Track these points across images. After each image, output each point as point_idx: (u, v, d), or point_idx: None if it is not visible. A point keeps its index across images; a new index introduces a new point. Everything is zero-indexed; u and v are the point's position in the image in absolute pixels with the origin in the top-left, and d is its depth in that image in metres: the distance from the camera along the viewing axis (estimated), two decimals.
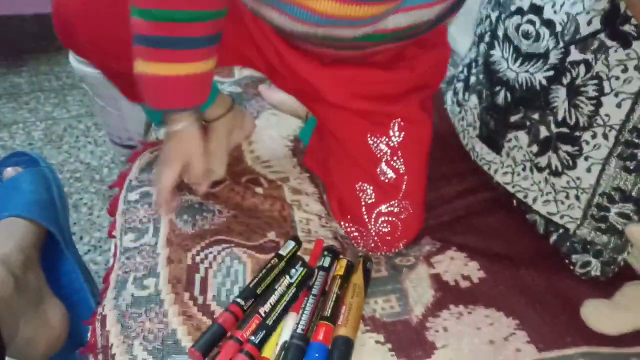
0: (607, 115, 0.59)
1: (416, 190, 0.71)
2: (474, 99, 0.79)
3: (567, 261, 0.69)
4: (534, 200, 0.71)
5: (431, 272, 0.67)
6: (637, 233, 0.58)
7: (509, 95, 0.71)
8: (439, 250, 0.71)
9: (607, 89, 0.59)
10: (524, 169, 0.71)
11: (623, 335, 0.60)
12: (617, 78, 0.58)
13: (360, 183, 0.70)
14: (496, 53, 0.73)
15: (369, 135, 0.69)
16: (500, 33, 0.72)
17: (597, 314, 0.60)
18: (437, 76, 0.75)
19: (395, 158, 0.70)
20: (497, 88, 0.73)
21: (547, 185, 0.69)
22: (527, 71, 0.68)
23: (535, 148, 0.68)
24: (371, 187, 0.70)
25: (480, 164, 0.79)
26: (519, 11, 0.68)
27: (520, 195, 0.73)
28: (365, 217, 0.70)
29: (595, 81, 0.60)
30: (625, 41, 0.56)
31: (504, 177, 0.75)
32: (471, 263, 0.68)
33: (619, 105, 0.58)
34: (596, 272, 0.66)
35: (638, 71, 0.56)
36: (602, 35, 0.58)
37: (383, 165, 0.70)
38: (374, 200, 0.70)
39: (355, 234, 0.71)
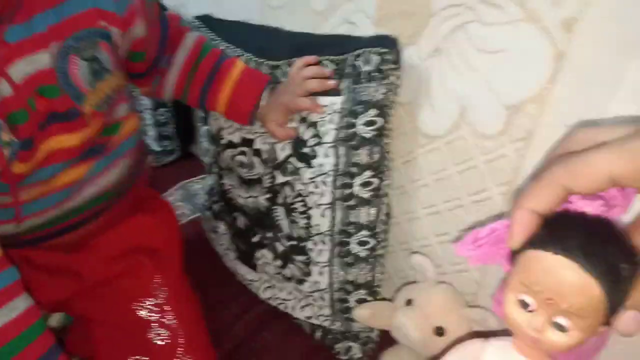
0: (317, 224, 0.68)
1: (197, 338, 0.69)
2: (222, 226, 0.84)
3: (333, 352, 0.74)
4: (293, 308, 0.76)
5: None
6: (363, 317, 0.66)
7: (245, 219, 0.78)
8: None
9: (310, 204, 0.68)
10: (278, 282, 0.77)
11: None
12: (314, 193, 0.67)
13: (132, 358, 0.65)
14: (226, 182, 0.80)
15: (133, 303, 0.67)
16: (222, 164, 0.79)
17: None
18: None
19: (165, 315, 0.67)
20: (235, 213, 0.79)
21: (298, 293, 0.75)
22: (251, 196, 0.75)
23: (279, 262, 0.75)
24: (146, 358, 0.65)
25: (246, 284, 0.83)
26: (231, 144, 0.76)
27: (282, 307, 0.78)
28: None
29: (300, 198, 0.68)
30: (307, 162, 0.66)
31: (265, 293, 0.80)
32: None
33: (322, 215, 0.67)
34: (358, 355, 0.72)
35: (325, 185, 0.66)
36: (293, 159, 0.68)
37: (154, 327, 0.66)
38: None
39: None
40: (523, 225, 0.32)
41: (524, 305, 0.32)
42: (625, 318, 0.31)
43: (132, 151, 0.70)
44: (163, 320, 0.68)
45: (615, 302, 0.30)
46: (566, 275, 0.30)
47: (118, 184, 0.69)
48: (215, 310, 0.84)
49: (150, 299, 0.68)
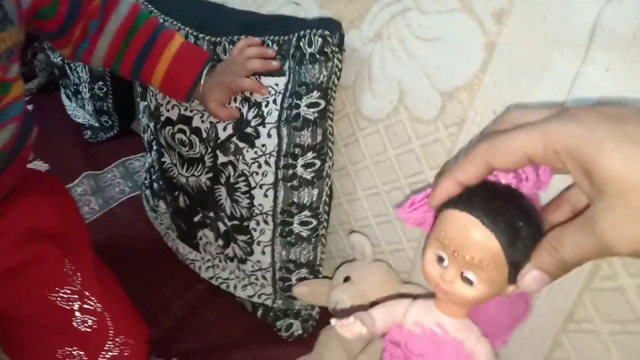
0: (260, 205, 0.69)
1: (125, 318, 0.68)
2: (162, 204, 0.83)
3: (274, 329, 0.76)
4: (235, 287, 0.77)
5: None
6: (301, 294, 0.68)
7: (186, 198, 0.77)
8: None
9: (252, 184, 0.68)
10: (220, 261, 0.78)
11: None
12: (257, 173, 0.67)
13: (61, 350, 0.63)
14: (166, 160, 0.78)
15: (48, 293, 0.64)
16: (162, 141, 0.78)
17: None
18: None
19: (86, 300, 0.66)
20: (176, 193, 0.78)
21: (240, 272, 0.75)
22: (193, 175, 0.74)
23: (220, 242, 0.75)
24: (75, 348, 0.64)
25: (187, 264, 0.83)
26: (169, 121, 0.75)
27: (223, 287, 0.78)
28: None
29: (243, 178, 0.69)
30: (250, 142, 0.66)
31: (207, 272, 0.80)
32: None
33: (265, 195, 0.68)
34: (299, 331, 0.74)
35: (268, 165, 0.66)
36: (235, 139, 0.68)
37: (77, 315, 0.65)
38: (86, 358, 0.63)
39: None
40: (445, 191, 0.37)
41: (440, 260, 0.37)
42: (529, 276, 0.34)
43: (18, 118, 0.67)
44: (86, 306, 0.66)
45: (515, 259, 0.34)
46: (468, 229, 0.34)
47: (3, 150, 0.65)
48: (155, 288, 0.83)
49: (66, 287, 0.66)
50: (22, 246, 0.65)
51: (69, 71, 1.21)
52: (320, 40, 0.60)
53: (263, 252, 0.71)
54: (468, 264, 0.35)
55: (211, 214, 0.74)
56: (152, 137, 0.81)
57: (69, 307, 0.65)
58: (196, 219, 0.76)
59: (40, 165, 1.12)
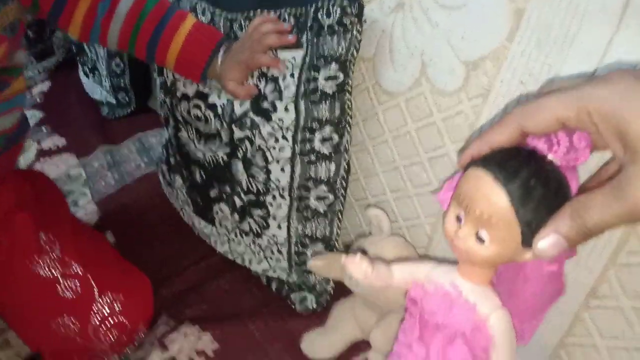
0: (277, 179, 0.68)
1: (110, 277, 0.69)
2: (178, 179, 0.83)
3: (288, 302, 0.76)
4: (250, 262, 0.77)
5: (166, 356, 0.68)
6: (317, 267, 0.68)
7: (202, 173, 0.77)
8: (173, 327, 0.72)
9: (269, 158, 0.67)
10: (235, 236, 0.77)
11: (342, 355, 0.68)
12: (274, 148, 0.67)
13: (54, 322, 0.65)
14: (183, 135, 0.78)
15: (29, 263, 0.66)
16: (179, 117, 0.77)
17: (313, 345, 0.68)
18: None
19: (67, 266, 0.67)
20: (193, 167, 0.78)
21: (255, 247, 0.75)
22: (210, 149, 0.74)
23: (236, 216, 0.75)
24: (65, 316, 0.66)
25: (202, 238, 0.83)
26: (185, 97, 0.74)
27: (238, 261, 0.78)
28: (88, 342, 0.66)
29: (260, 152, 0.68)
30: (267, 116, 0.66)
31: (222, 247, 0.80)
32: (204, 336, 0.70)
33: (282, 170, 0.67)
34: (313, 305, 0.74)
35: (286, 140, 0.66)
36: (251, 114, 0.67)
37: (61, 281, 0.66)
38: (78, 325, 0.66)
39: None
40: (475, 152, 0.37)
41: (459, 220, 0.37)
42: (545, 240, 0.33)
43: (20, 109, 0.71)
44: (68, 271, 0.68)
45: (528, 220, 0.33)
46: (480, 184, 0.34)
47: (5, 135, 0.68)
48: (169, 258, 0.84)
49: (45, 255, 0.67)
50: None
51: (86, 48, 1.21)
52: (338, 10, 0.58)
53: (279, 227, 0.71)
54: (481, 222, 0.35)
55: (227, 189, 0.74)
56: (168, 113, 0.81)
57: (52, 276, 0.67)
58: (212, 193, 0.76)
59: (57, 140, 1.12)
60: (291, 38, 0.63)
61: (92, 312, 0.66)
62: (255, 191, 0.70)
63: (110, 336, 0.67)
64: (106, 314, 0.66)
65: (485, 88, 0.50)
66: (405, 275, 0.45)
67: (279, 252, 0.73)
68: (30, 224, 0.67)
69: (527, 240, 0.34)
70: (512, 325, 0.42)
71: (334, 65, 0.60)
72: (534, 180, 0.33)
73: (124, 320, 0.67)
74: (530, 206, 0.33)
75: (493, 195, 0.33)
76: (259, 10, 0.68)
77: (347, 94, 0.63)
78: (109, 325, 0.66)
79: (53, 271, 0.66)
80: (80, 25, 0.68)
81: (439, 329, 0.42)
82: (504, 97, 0.48)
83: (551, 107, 0.32)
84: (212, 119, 0.71)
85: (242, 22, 0.69)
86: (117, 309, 0.67)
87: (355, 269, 0.42)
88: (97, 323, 0.66)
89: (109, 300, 0.67)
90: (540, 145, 0.34)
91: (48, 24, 0.71)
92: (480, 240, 0.35)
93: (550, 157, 0.34)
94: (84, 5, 0.67)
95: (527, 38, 0.46)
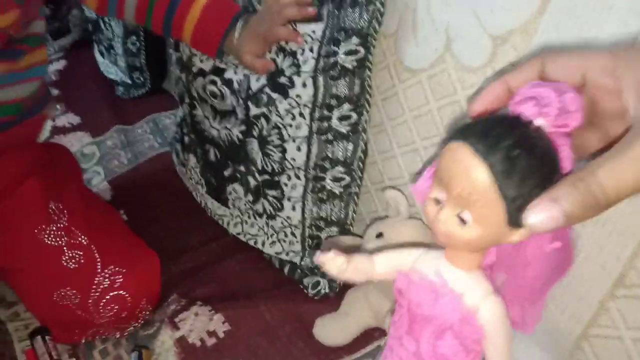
0: (293, 158, 0.66)
1: (114, 247, 0.68)
2: (192, 159, 0.82)
3: (301, 286, 0.75)
4: (263, 244, 0.76)
5: (176, 335, 0.67)
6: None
7: (217, 152, 0.75)
8: (184, 307, 0.71)
9: (286, 136, 0.66)
10: (249, 217, 0.76)
11: (355, 340, 0.66)
12: (290, 125, 0.65)
13: (55, 293, 0.65)
14: (198, 112, 0.77)
15: (36, 231, 0.65)
16: (194, 93, 0.76)
17: (325, 330, 0.66)
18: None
19: (73, 236, 0.66)
20: (207, 146, 0.77)
21: (269, 229, 0.74)
22: (225, 127, 0.72)
23: (250, 197, 0.73)
24: (68, 288, 0.65)
25: (215, 219, 0.82)
26: (201, 72, 0.73)
27: (251, 242, 0.77)
28: (88, 315, 0.65)
29: (276, 130, 0.66)
30: (284, 92, 0.64)
31: (235, 228, 0.79)
32: (216, 316, 0.69)
33: (298, 149, 0.65)
34: (325, 290, 0.73)
35: (303, 117, 0.64)
36: (267, 89, 0.65)
37: (66, 251, 0.66)
38: (79, 296, 0.65)
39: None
40: (492, 93, 0.33)
41: (439, 203, 0.33)
42: (539, 207, 0.28)
43: (38, 79, 0.70)
44: (73, 241, 0.67)
45: (512, 195, 0.29)
46: (459, 158, 0.30)
47: (24, 102, 0.67)
48: (181, 237, 0.83)
49: (52, 225, 0.67)
50: (2, 197, 0.67)
51: (103, 26, 1.20)
52: None
53: (293, 208, 0.69)
54: (462, 201, 0.31)
55: (242, 168, 0.72)
56: (183, 90, 0.79)
57: (57, 244, 0.66)
58: (226, 173, 0.75)
59: (72, 118, 1.12)
60: (312, 11, 0.61)
61: (93, 285, 0.65)
62: (270, 171, 0.69)
63: (110, 310, 0.66)
64: (106, 286, 0.65)
65: (514, 64, 0.48)
66: (388, 266, 0.41)
67: (293, 234, 0.71)
68: (38, 191, 0.66)
69: (513, 219, 0.30)
70: (506, 312, 0.38)
71: (354, 39, 0.58)
72: (517, 150, 0.29)
73: (125, 294, 0.66)
74: (515, 180, 0.29)
75: (472, 170, 0.30)
76: None
77: (368, 70, 0.61)
78: (108, 298, 0.65)
79: (59, 240, 0.66)
80: None
81: (427, 321, 0.39)
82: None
83: (584, 56, 0.31)
84: (228, 95, 0.69)
85: None
86: (117, 282, 0.65)
87: (330, 265, 0.39)
88: (98, 296, 0.65)
89: (110, 273, 0.66)
90: (529, 108, 0.30)
91: None
92: (462, 221, 0.32)
93: (538, 122, 0.30)
94: None
95: (559, 9, 0.44)
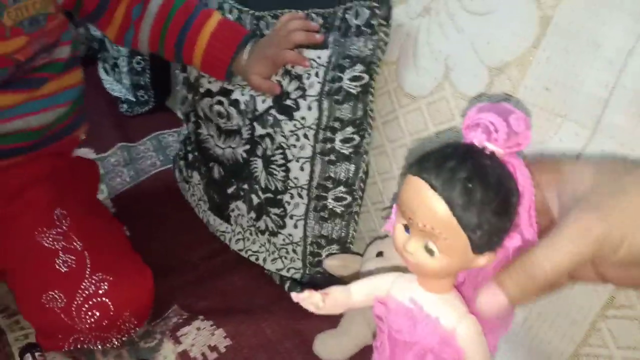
0: (296, 178, 0.69)
1: (106, 255, 0.69)
2: (196, 176, 0.84)
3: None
4: (264, 260, 0.77)
5: (178, 349, 0.68)
6: (332, 267, 0.68)
7: (221, 169, 0.78)
8: (186, 320, 0.72)
9: (289, 157, 0.68)
10: (251, 234, 0.78)
11: (354, 357, 0.67)
12: (295, 146, 0.67)
13: (44, 295, 0.66)
14: (203, 131, 0.79)
15: (36, 233, 0.68)
16: (200, 113, 0.78)
17: (325, 346, 0.67)
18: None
19: (70, 241, 0.68)
20: (211, 164, 0.79)
21: (270, 245, 0.76)
22: (230, 146, 0.75)
23: (253, 214, 0.75)
24: (56, 290, 0.65)
25: (217, 235, 0.84)
26: (208, 93, 0.75)
27: (252, 259, 0.79)
28: (70, 320, 0.65)
29: (280, 151, 0.69)
30: (289, 114, 0.67)
31: (237, 244, 0.80)
32: (217, 331, 0.71)
33: (302, 169, 0.68)
34: None
35: (307, 138, 0.66)
36: (273, 111, 0.68)
37: (61, 255, 0.67)
38: (64, 300, 0.65)
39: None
40: None
41: (407, 229, 0.34)
42: (485, 293, 0.33)
43: (69, 103, 0.72)
44: (69, 246, 0.69)
45: (472, 225, 0.31)
46: (418, 194, 0.31)
47: (49, 128, 0.70)
48: (182, 252, 0.85)
49: (53, 229, 0.69)
50: (13, 197, 0.70)
51: (108, 45, 1.23)
52: (367, 12, 0.60)
53: (295, 226, 0.71)
54: (426, 234, 0.32)
55: (245, 186, 0.74)
56: (190, 109, 0.82)
57: (53, 248, 0.68)
58: (230, 190, 0.77)
59: None
60: (318, 37, 0.64)
61: (79, 289, 0.65)
62: (273, 189, 0.71)
63: (91, 316, 0.65)
64: (91, 292, 0.65)
65: (509, 93, 0.51)
66: (364, 294, 0.41)
67: (294, 251, 0.73)
68: (46, 195, 0.70)
69: (477, 246, 0.32)
70: (482, 331, 0.38)
71: (359, 66, 0.61)
72: (473, 181, 0.30)
73: (108, 302, 0.66)
74: (473, 211, 0.30)
75: (433, 206, 0.31)
76: (286, 9, 0.69)
77: (370, 95, 0.63)
78: (91, 304, 0.65)
79: (55, 243, 0.68)
80: (118, 27, 0.72)
81: (408, 346, 0.39)
82: (527, 103, 0.49)
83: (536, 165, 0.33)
84: (235, 115, 0.72)
85: (270, 19, 0.70)
86: (102, 289, 0.66)
87: (306, 304, 0.39)
88: (81, 301, 0.65)
89: (97, 280, 0.66)
90: (478, 136, 0.31)
91: (84, 21, 0.73)
92: (429, 252, 0.33)
93: (490, 147, 0.32)
94: (123, 7, 0.71)
95: (553, 44, 0.47)
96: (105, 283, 0.66)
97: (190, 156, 0.85)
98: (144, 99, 1.21)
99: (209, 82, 0.75)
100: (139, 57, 1.16)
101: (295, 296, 0.39)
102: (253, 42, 0.69)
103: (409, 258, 0.34)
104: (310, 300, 0.39)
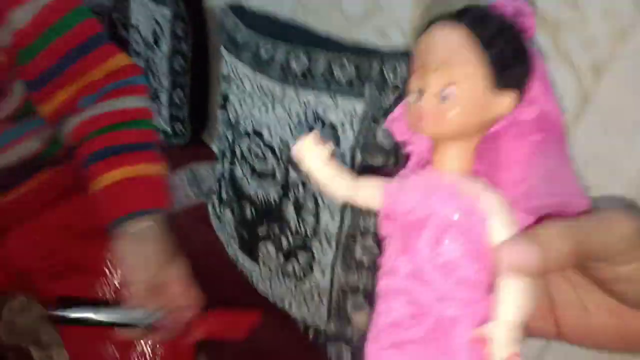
0: (326, 225, 0.69)
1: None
2: (228, 213, 0.86)
3: (323, 351, 0.76)
4: (290, 305, 0.78)
5: None
6: (362, 323, 0.68)
7: (253, 209, 0.79)
8: None
9: (321, 204, 0.69)
10: (278, 278, 0.78)
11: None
12: (326, 195, 0.68)
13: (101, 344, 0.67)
14: (237, 170, 0.81)
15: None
16: (237, 152, 0.80)
17: None
18: None
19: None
20: (244, 203, 0.81)
21: (296, 291, 0.76)
22: (263, 187, 0.76)
23: (281, 257, 0.76)
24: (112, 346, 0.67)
25: (245, 274, 0.85)
26: (247, 134, 0.77)
27: (278, 303, 0.79)
28: None
29: (312, 198, 0.70)
30: None
31: (263, 286, 0.81)
32: None
33: (332, 218, 0.68)
34: (348, 358, 0.74)
35: None
36: None
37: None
38: (118, 354, 0.67)
39: None
40: None
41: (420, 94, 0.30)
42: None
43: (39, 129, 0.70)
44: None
45: (488, 36, 0.28)
46: (434, 33, 0.29)
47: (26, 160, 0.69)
48: (208, 289, 0.85)
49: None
50: (86, 242, 0.70)
51: (150, 76, 1.28)
52: (405, 68, 0.61)
53: (322, 273, 0.72)
54: (441, 74, 0.28)
55: (276, 228, 0.75)
56: (227, 147, 0.84)
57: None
58: (260, 231, 0.78)
59: None
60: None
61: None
62: (303, 234, 0.72)
63: None
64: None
65: None
66: (373, 186, 0.35)
67: (320, 299, 0.73)
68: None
69: (496, 69, 0.28)
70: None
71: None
72: (485, 11, 0.28)
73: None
74: (488, 26, 0.28)
75: (447, 32, 0.28)
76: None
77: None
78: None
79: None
80: (56, 107, 0.64)
81: (423, 224, 0.31)
82: None
83: None
84: (270, 157, 0.73)
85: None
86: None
87: (309, 152, 0.34)
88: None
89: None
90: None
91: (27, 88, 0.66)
92: (444, 99, 0.29)
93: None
94: (67, 90, 0.63)
95: (592, 122, 0.47)
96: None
97: (223, 194, 0.87)
98: (181, 132, 1.24)
99: (247, 123, 0.77)
100: (180, 90, 1.19)
101: (295, 148, 0.33)
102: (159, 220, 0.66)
103: (428, 119, 0.29)
104: (313, 148, 0.33)
